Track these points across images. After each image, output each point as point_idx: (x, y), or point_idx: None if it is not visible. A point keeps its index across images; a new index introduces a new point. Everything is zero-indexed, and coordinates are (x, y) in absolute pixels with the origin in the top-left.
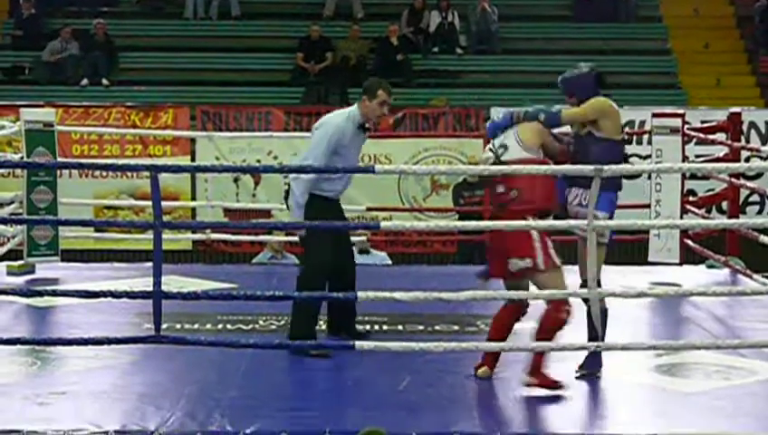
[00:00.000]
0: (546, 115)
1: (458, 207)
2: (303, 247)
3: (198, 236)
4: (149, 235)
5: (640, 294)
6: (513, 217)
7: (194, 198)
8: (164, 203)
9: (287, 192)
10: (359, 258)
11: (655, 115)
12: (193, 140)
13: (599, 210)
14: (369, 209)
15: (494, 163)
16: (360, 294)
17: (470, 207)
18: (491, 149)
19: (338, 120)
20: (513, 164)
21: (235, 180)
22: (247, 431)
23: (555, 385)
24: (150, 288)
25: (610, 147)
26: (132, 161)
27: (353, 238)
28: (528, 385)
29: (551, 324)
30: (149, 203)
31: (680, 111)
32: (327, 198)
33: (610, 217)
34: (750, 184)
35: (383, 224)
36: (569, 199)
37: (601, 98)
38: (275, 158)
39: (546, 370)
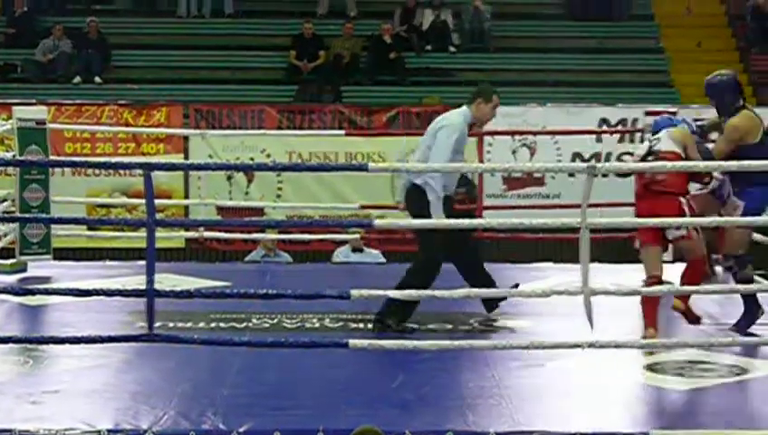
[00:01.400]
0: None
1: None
2: (419, 241)
3: (191, 234)
4: (142, 233)
5: (633, 292)
6: (660, 197)
7: (187, 197)
8: (157, 201)
9: (409, 190)
10: (352, 256)
11: (648, 113)
12: (186, 139)
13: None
14: (362, 207)
15: (646, 153)
16: (354, 291)
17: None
18: (648, 140)
19: (458, 120)
20: (660, 153)
21: (228, 178)
22: (240, 430)
23: (696, 319)
24: (143, 286)
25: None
26: (125, 159)
27: (347, 236)
28: (675, 308)
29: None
30: (142, 201)
31: (673, 109)
32: (445, 196)
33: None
34: None
35: (377, 222)
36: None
37: (735, 120)
38: (268, 156)
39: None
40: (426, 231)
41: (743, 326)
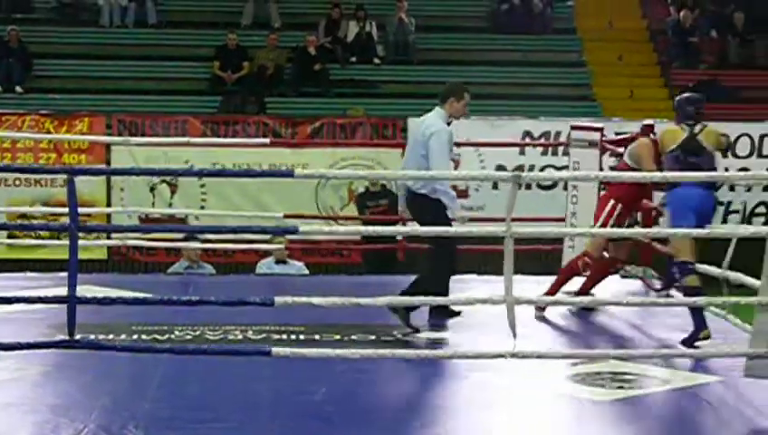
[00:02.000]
0: None
1: (364, 217)
2: (434, 244)
3: (114, 242)
4: (64, 243)
5: (555, 303)
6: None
7: (109, 205)
8: (80, 210)
9: (414, 199)
10: (276, 268)
11: (573, 128)
12: (108, 149)
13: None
14: (286, 217)
15: None
16: (278, 299)
17: (375, 216)
18: None
19: (442, 124)
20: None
21: (151, 189)
22: None
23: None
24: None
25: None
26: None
27: (271, 247)
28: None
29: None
30: (65, 210)
31: (599, 125)
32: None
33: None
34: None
35: (302, 228)
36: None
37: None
38: (192, 167)
39: None
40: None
41: (687, 341)
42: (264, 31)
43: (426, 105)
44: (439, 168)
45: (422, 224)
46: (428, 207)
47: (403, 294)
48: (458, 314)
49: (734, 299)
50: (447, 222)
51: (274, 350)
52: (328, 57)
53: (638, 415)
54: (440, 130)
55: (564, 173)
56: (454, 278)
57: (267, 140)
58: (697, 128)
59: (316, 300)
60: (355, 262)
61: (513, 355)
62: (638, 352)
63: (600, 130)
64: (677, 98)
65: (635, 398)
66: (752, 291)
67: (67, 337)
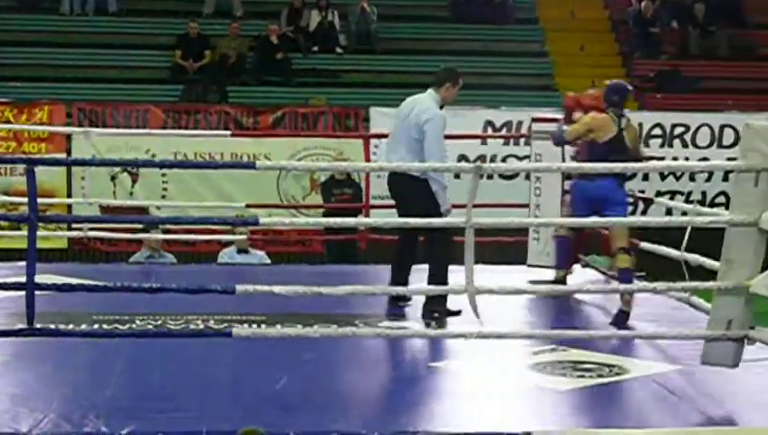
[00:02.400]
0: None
1: (329, 205)
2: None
3: (75, 233)
4: (23, 233)
5: (518, 292)
6: None
7: (70, 197)
8: (40, 200)
9: (407, 181)
10: (237, 258)
11: (535, 120)
12: (69, 138)
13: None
14: (248, 206)
15: None
16: (239, 287)
17: (341, 203)
18: None
19: (436, 108)
20: None
21: (112, 178)
22: (122, 432)
23: None
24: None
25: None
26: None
27: (233, 237)
28: None
29: None
30: (24, 199)
31: (560, 117)
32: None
33: None
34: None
35: (263, 220)
36: None
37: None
38: (153, 156)
39: None
40: (420, 207)
41: (619, 322)
42: (226, 20)
43: (388, 94)
44: (434, 155)
45: (406, 204)
46: (417, 189)
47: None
48: (458, 313)
49: (692, 284)
50: (436, 206)
51: (235, 331)
52: (290, 46)
53: (598, 404)
54: (436, 116)
55: (526, 164)
56: (417, 268)
57: (228, 132)
58: (623, 122)
59: (277, 289)
60: (317, 251)
61: (476, 336)
62: (597, 333)
63: (557, 120)
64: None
65: (595, 387)
66: (712, 274)
67: (26, 326)
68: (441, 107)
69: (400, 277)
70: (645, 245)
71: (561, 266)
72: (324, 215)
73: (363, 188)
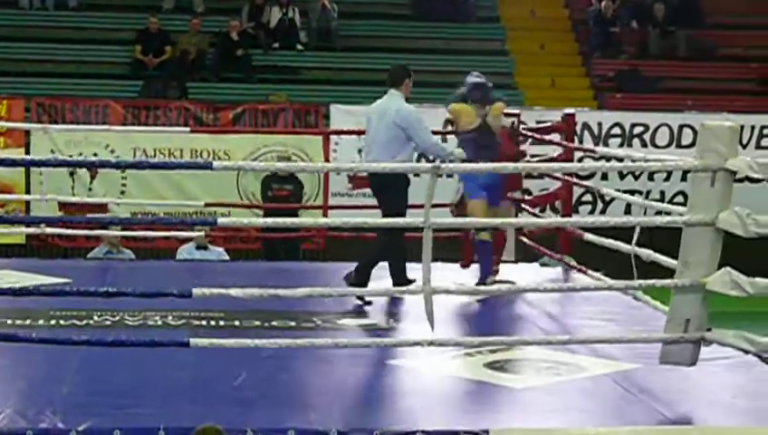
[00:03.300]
0: None
1: (267, 200)
2: (386, 201)
3: (32, 230)
4: None
5: (474, 292)
6: None
7: (28, 192)
8: None
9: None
10: (195, 254)
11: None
12: (27, 133)
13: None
14: (207, 205)
15: None
16: (196, 290)
17: (278, 199)
18: None
19: (405, 103)
20: None
21: (71, 174)
22: (79, 429)
23: None
24: None
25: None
26: None
27: (192, 234)
28: None
29: None
30: None
31: (515, 111)
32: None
33: None
34: (583, 183)
35: (221, 220)
36: None
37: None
38: (112, 152)
39: None
40: (398, 193)
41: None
42: (187, 15)
43: (348, 91)
44: (429, 138)
45: (381, 200)
46: (389, 182)
47: (358, 269)
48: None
49: (648, 282)
50: (405, 200)
51: (192, 341)
52: (250, 43)
53: (554, 402)
54: (408, 110)
55: (484, 164)
56: (379, 265)
57: (187, 129)
58: (486, 109)
59: (234, 291)
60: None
61: (431, 343)
62: (555, 338)
63: (517, 116)
64: (469, 82)
65: (552, 385)
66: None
67: None
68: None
69: (365, 276)
70: (592, 238)
71: (488, 273)
72: (266, 213)
73: (305, 185)
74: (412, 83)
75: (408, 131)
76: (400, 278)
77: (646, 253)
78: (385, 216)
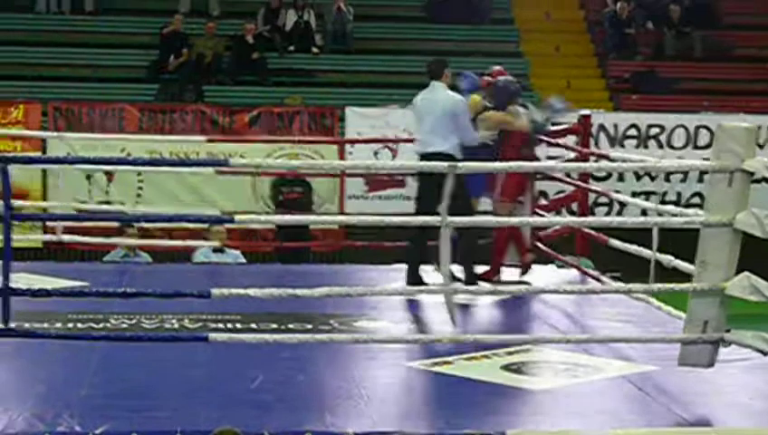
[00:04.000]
0: None
1: (277, 203)
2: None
3: (49, 236)
4: None
5: (492, 292)
6: None
7: (45, 197)
8: (14, 202)
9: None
10: (212, 257)
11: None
12: None
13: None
14: (223, 214)
15: None
16: (215, 291)
17: (288, 203)
18: None
19: (452, 92)
20: None
21: (88, 178)
22: (96, 432)
23: None
24: None
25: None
26: None
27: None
28: None
29: None
30: None
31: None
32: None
33: None
34: (591, 188)
35: (237, 217)
36: None
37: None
38: (128, 155)
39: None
40: (463, 195)
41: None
42: (203, 19)
43: (363, 94)
44: (469, 135)
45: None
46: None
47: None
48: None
49: (668, 286)
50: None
51: (211, 335)
52: (266, 46)
53: (571, 404)
54: (458, 99)
55: (503, 164)
56: (395, 267)
57: (203, 138)
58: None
59: (252, 292)
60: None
61: (451, 340)
62: (573, 338)
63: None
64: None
65: (569, 387)
66: (686, 277)
67: (2, 326)
68: None
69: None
70: (616, 243)
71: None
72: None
73: (314, 188)
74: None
75: (458, 120)
76: (415, 278)
77: (667, 259)
78: (453, 214)
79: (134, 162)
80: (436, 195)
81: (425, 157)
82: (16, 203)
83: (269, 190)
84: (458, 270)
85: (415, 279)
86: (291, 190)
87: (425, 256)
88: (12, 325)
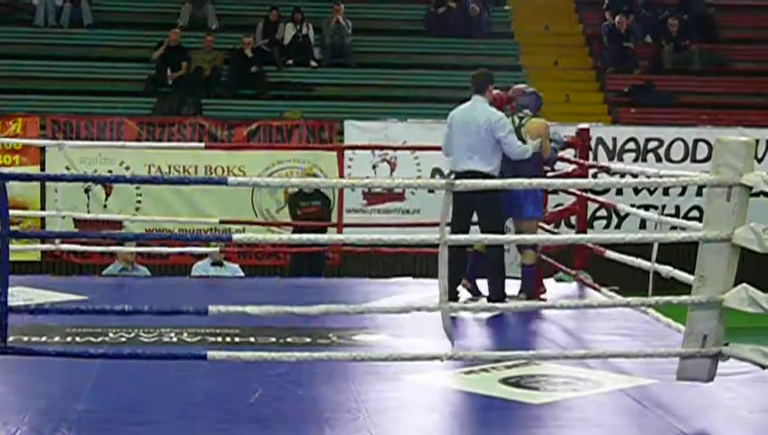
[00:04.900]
0: None
1: (295, 218)
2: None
3: (48, 246)
4: None
5: (490, 308)
6: None
7: (43, 209)
8: (12, 212)
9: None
10: (211, 270)
11: None
12: (42, 150)
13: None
14: (222, 222)
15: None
16: (212, 308)
17: (306, 217)
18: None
19: (493, 109)
20: None
21: (86, 191)
22: None
23: None
24: None
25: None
26: None
27: (207, 250)
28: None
29: None
30: None
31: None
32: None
33: None
34: (597, 199)
35: (235, 236)
36: None
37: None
38: (127, 168)
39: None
40: (498, 208)
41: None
42: (201, 32)
43: (363, 108)
44: (518, 149)
45: (478, 210)
46: (490, 195)
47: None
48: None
49: (665, 298)
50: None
51: (210, 353)
52: (264, 59)
53: (570, 418)
54: (497, 115)
55: (500, 181)
56: (395, 281)
57: (202, 145)
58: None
59: (250, 309)
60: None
61: (450, 357)
62: (572, 353)
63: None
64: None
65: (568, 401)
66: (686, 288)
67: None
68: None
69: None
70: (613, 255)
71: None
72: (294, 230)
73: (332, 200)
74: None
75: (499, 137)
76: (452, 295)
77: (666, 269)
78: (485, 231)
79: (133, 180)
80: (465, 213)
81: (460, 175)
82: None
83: (273, 203)
84: (484, 286)
85: (452, 296)
86: (309, 205)
87: (460, 273)
88: (10, 339)
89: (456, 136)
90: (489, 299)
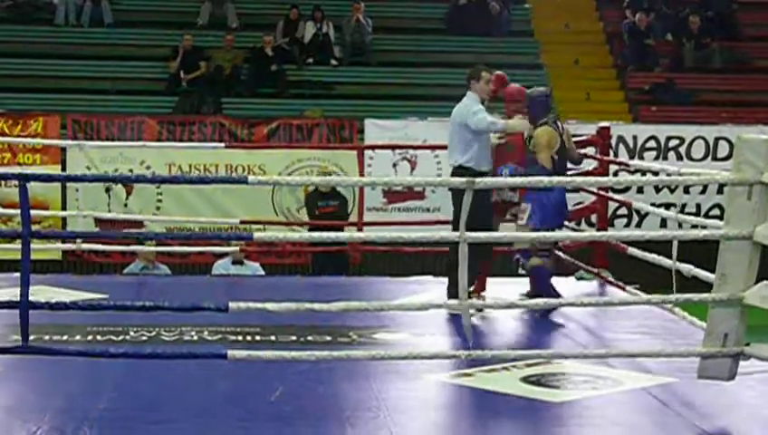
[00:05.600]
0: None
1: (313, 217)
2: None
3: (68, 245)
4: (17, 245)
5: (511, 305)
6: None
7: (64, 209)
8: (33, 212)
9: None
10: (231, 269)
11: None
12: (63, 149)
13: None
14: (242, 223)
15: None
16: (232, 305)
17: (324, 217)
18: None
19: (470, 101)
20: None
21: (107, 190)
22: None
23: None
24: (18, 298)
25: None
26: (0, 170)
27: (227, 249)
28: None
29: None
30: (18, 212)
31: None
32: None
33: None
34: (618, 197)
35: (257, 235)
36: None
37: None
38: (148, 168)
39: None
40: (484, 206)
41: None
42: (221, 31)
43: (383, 106)
44: (484, 121)
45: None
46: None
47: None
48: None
49: (686, 296)
50: (488, 205)
51: (230, 353)
52: (285, 58)
53: (591, 416)
54: (471, 105)
55: (518, 179)
56: (414, 279)
57: (222, 144)
58: (560, 126)
59: (270, 306)
60: (310, 262)
61: (470, 356)
62: (593, 351)
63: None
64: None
65: (588, 399)
66: (707, 286)
67: (20, 340)
68: (482, 103)
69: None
70: (635, 252)
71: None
72: (312, 229)
73: (349, 200)
74: (482, 81)
75: (466, 125)
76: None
77: (687, 268)
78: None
79: (154, 180)
80: (457, 209)
81: (452, 170)
82: (35, 213)
83: (294, 202)
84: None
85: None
86: (326, 204)
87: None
88: (31, 338)
89: (449, 133)
90: (449, 291)
